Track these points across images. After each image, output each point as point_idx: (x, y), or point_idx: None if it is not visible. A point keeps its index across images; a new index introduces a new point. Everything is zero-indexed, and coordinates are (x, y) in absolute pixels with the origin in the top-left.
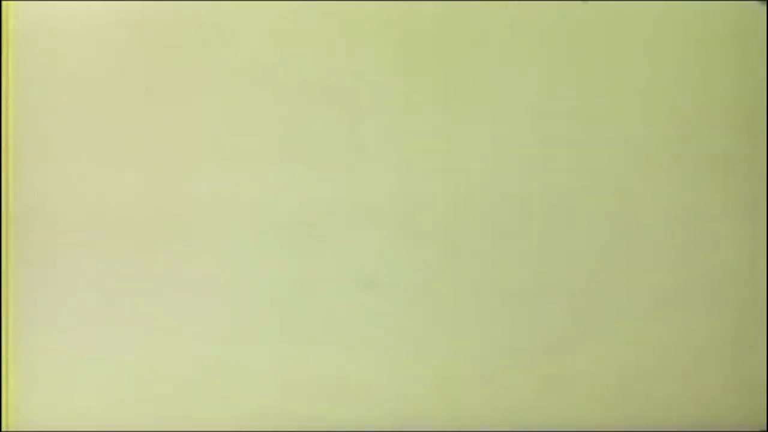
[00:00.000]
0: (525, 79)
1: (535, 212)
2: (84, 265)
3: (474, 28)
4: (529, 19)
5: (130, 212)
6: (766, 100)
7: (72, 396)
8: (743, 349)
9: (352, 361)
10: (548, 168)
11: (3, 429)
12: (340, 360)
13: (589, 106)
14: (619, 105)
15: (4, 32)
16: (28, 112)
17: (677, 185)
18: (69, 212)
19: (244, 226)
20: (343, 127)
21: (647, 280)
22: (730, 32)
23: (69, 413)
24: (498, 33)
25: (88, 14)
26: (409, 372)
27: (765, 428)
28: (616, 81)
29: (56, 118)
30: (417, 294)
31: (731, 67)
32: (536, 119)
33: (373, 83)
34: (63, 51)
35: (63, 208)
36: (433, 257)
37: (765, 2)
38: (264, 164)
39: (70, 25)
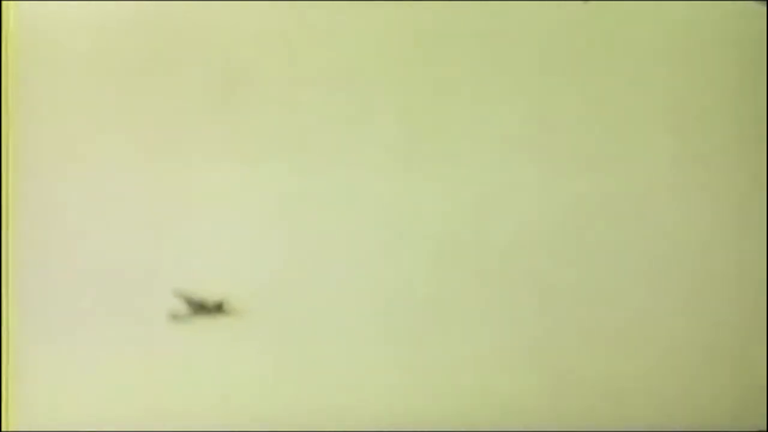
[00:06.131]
0: (525, 80)
1: (536, 210)
2: (84, 267)
3: (475, 28)
4: (530, 19)
5: (129, 212)
6: (766, 100)
7: (71, 396)
8: (743, 349)
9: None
10: (547, 165)
11: (3, 429)
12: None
13: (588, 106)
14: (618, 105)
15: (4, 32)
16: (29, 112)
17: (676, 184)
18: (69, 212)
19: (244, 222)
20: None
21: (647, 282)
22: (730, 32)
23: (68, 413)
24: (499, 32)
25: (88, 14)
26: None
27: (765, 428)
28: (615, 81)
29: (56, 117)
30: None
31: (731, 67)
32: (535, 122)
33: (373, 85)
34: (63, 51)
35: (63, 207)
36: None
37: (765, 2)
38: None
39: (70, 25)
